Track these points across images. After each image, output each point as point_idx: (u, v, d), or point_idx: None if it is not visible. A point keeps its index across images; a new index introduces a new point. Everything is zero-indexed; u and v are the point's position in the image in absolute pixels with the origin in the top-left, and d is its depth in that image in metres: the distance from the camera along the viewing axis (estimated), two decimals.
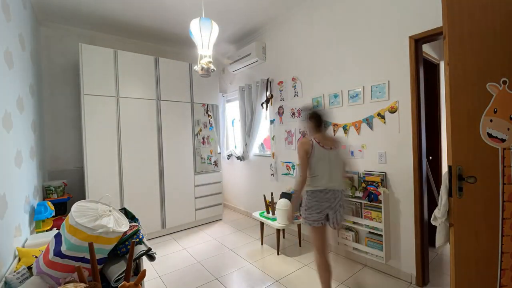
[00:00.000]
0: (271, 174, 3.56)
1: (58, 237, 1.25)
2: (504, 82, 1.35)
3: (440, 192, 1.47)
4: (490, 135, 1.37)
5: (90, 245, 1.16)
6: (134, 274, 1.47)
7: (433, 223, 1.54)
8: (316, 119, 1.92)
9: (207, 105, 3.89)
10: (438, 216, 1.47)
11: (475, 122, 1.37)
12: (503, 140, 1.37)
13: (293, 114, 3.21)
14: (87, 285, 1.07)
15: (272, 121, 3.58)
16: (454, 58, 1.38)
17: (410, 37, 2.08)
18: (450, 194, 1.41)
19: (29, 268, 1.42)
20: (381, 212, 2.22)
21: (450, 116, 1.38)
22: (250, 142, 3.88)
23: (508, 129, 1.36)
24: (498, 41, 1.35)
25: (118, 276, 1.29)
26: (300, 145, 1.88)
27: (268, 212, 3.04)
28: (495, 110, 1.35)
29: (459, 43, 1.38)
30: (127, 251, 1.44)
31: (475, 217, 1.40)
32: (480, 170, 1.37)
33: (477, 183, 1.36)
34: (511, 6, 1.35)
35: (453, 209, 1.40)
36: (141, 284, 1.20)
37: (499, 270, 1.40)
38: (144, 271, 1.17)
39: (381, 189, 2.22)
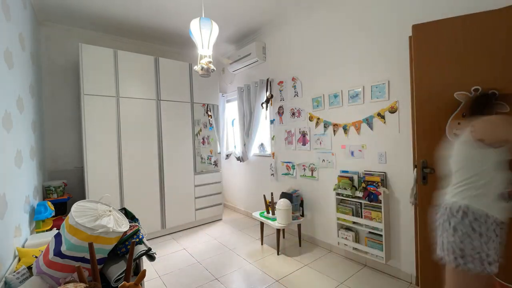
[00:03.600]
0: (271, 174, 3.56)
1: (58, 237, 1.25)
2: (476, 90, 1.57)
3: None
4: (457, 136, 1.50)
5: (90, 245, 1.16)
6: (134, 274, 1.47)
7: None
8: None
9: (207, 105, 3.89)
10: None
11: (438, 125, 1.70)
12: None
13: (293, 114, 3.21)
14: (87, 285, 1.07)
15: (272, 121, 3.58)
16: (419, 75, 1.76)
17: (410, 37, 2.07)
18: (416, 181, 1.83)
19: (29, 268, 1.42)
20: (381, 212, 2.22)
21: (416, 123, 1.80)
22: (249, 142, 3.88)
23: None
24: (470, 53, 1.62)
25: (118, 276, 1.29)
26: None
27: (268, 212, 3.04)
28: (464, 114, 1.57)
29: (427, 62, 1.74)
30: (127, 251, 1.44)
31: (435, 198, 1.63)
32: (438, 163, 1.63)
33: (434, 173, 1.72)
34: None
35: (419, 193, 1.81)
36: (141, 284, 1.20)
37: None
38: (144, 271, 1.17)
39: (381, 189, 2.22)
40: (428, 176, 1.75)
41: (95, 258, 1.18)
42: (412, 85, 2.07)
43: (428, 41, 1.72)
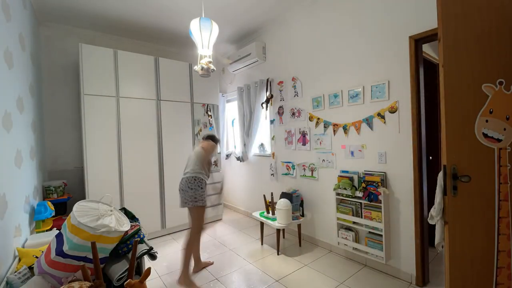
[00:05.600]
0: (271, 174, 3.56)
1: (59, 236, 1.26)
2: (501, 83, 1.36)
3: (436, 191, 1.50)
4: (485, 135, 1.38)
5: (93, 244, 1.17)
6: (135, 274, 1.47)
7: (430, 221, 1.57)
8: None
9: (207, 105, 3.89)
10: (434, 215, 1.51)
11: (470, 122, 1.40)
12: (499, 140, 1.38)
13: (293, 114, 3.22)
14: (92, 284, 1.07)
15: (272, 121, 3.58)
16: (449, 60, 1.41)
17: (410, 37, 2.08)
18: (445, 193, 1.45)
19: (30, 268, 1.42)
20: (381, 212, 2.23)
21: (445, 117, 1.42)
22: (249, 142, 3.88)
23: (505, 129, 1.37)
24: (494, 42, 1.37)
25: (120, 275, 1.30)
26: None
27: (268, 212, 3.04)
28: (491, 110, 1.37)
29: (454, 45, 1.41)
30: (129, 250, 1.45)
31: (471, 215, 1.42)
32: (475, 170, 1.39)
33: (472, 182, 1.39)
34: (506, 7, 1.35)
35: (448, 208, 1.44)
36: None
37: (495, 268, 1.41)
38: (149, 269, 1.18)
39: (381, 189, 2.22)
40: (458, 186, 1.41)
41: (98, 257, 1.18)
42: (413, 84, 2.09)
43: (457, 15, 1.40)
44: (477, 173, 1.39)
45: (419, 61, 2.10)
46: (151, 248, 1.51)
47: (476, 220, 1.42)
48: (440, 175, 1.46)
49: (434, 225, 1.55)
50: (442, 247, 1.53)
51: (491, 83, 1.37)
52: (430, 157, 2.72)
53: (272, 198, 3.01)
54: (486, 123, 1.38)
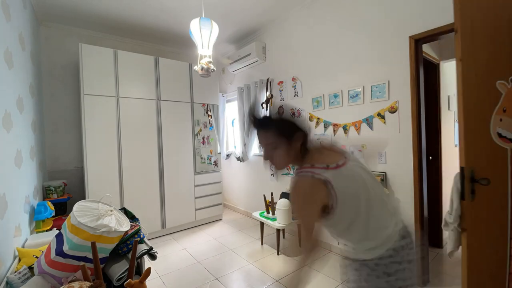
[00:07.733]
0: (271, 174, 3.56)
1: (59, 236, 1.26)
2: None
3: (451, 196, 1.40)
4: (500, 135, 1.30)
5: (93, 244, 1.16)
6: (135, 274, 1.47)
7: (444, 229, 1.46)
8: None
9: (207, 105, 3.89)
10: (450, 222, 1.40)
11: (486, 121, 1.28)
12: None
13: (293, 114, 3.22)
14: (92, 284, 1.07)
15: None
16: (467, 54, 1.27)
17: (410, 37, 2.08)
18: (462, 197, 1.30)
19: (30, 268, 1.42)
20: None
21: (462, 115, 1.27)
22: (249, 142, 3.88)
23: None
24: (507, 37, 1.27)
25: (120, 275, 1.30)
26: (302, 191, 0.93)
27: (268, 212, 3.04)
28: (504, 109, 1.27)
29: (470, 38, 1.27)
30: (129, 250, 1.45)
31: (488, 220, 1.31)
32: (492, 171, 1.28)
33: (490, 185, 1.26)
34: None
35: (466, 213, 1.30)
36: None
37: (507, 274, 1.33)
38: (149, 269, 1.18)
39: None
40: (476, 189, 1.27)
41: (98, 257, 1.18)
42: (413, 84, 2.09)
43: (473, 7, 1.27)
44: (493, 175, 1.28)
45: (419, 61, 2.10)
46: (151, 248, 1.51)
47: (494, 225, 1.31)
48: (456, 178, 1.34)
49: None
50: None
51: (504, 79, 1.28)
52: (430, 157, 2.72)
53: (272, 198, 3.01)
54: (500, 122, 1.28)
